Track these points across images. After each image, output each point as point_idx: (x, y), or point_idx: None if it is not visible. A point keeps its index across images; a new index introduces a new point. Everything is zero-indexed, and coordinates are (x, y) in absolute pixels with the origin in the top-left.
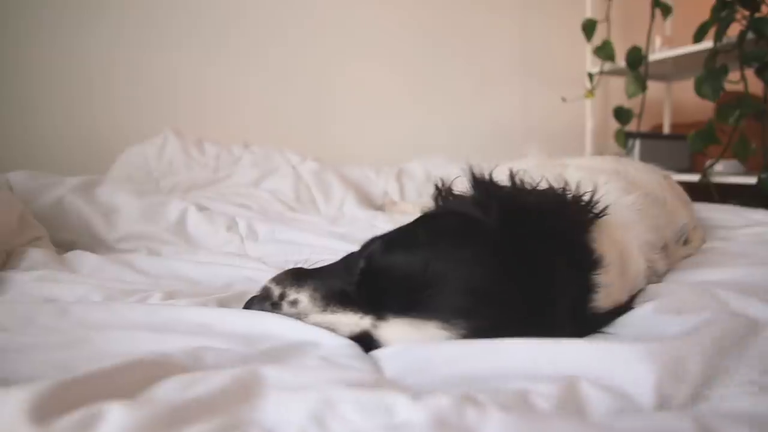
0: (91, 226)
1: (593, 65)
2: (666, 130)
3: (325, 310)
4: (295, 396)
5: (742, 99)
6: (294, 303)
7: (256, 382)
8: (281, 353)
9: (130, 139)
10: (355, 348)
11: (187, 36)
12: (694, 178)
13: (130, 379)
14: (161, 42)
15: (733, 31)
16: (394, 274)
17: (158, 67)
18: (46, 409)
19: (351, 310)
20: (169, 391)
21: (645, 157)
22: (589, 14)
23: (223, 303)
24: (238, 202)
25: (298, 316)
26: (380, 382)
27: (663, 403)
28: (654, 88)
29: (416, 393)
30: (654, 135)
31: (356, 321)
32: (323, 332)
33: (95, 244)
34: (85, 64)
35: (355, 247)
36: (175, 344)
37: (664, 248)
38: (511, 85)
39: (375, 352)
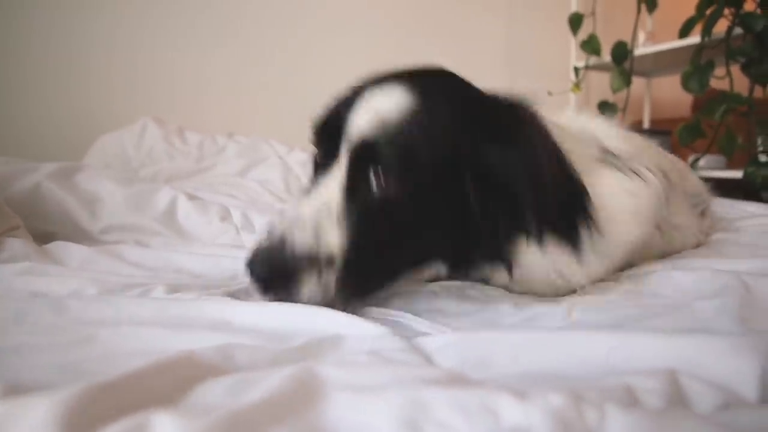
0: (73, 216)
1: (579, 59)
2: (646, 125)
3: None
4: (374, 398)
5: (728, 94)
6: None
7: (316, 383)
8: (321, 349)
9: (105, 128)
10: (401, 341)
11: (169, 22)
12: None
13: (164, 382)
14: (141, 28)
15: (718, 27)
16: None
17: (138, 52)
18: (79, 419)
19: None
20: (216, 395)
21: None
22: (575, 8)
23: (234, 296)
24: (226, 192)
25: None
26: (461, 378)
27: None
28: (634, 83)
29: (519, 391)
30: (637, 130)
31: None
32: (354, 322)
33: (77, 235)
34: (60, 47)
35: None
36: (195, 342)
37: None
38: (497, 78)
39: (423, 344)
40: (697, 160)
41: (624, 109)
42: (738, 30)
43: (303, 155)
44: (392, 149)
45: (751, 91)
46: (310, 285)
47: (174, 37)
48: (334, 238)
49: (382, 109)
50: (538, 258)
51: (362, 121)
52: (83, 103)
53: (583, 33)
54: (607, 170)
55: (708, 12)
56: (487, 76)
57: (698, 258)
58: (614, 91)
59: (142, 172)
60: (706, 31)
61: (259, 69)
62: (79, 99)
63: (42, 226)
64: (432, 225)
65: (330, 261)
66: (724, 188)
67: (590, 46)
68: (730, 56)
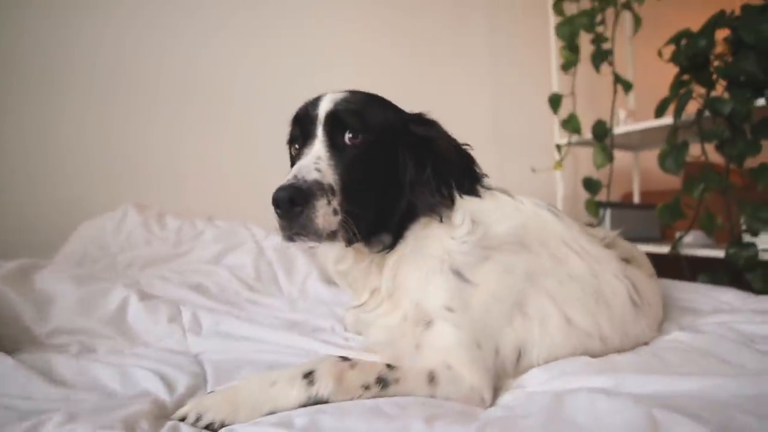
0: (21, 319)
1: (562, 137)
2: (636, 198)
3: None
4: None
5: (706, 173)
6: None
7: None
8: None
9: (90, 212)
10: None
11: (155, 109)
12: (664, 249)
13: None
14: (131, 115)
15: (693, 106)
16: None
17: (124, 139)
18: None
19: None
20: None
21: (616, 227)
22: (555, 89)
23: (128, 424)
24: (195, 280)
25: None
26: None
27: None
28: (622, 156)
29: None
30: (624, 204)
31: None
32: None
33: (24, 339)
34: (49, 135)
35: (309, 342)
36: None
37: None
38: (485, 154)
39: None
40: (680, 238)
41: (608, 185)
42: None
43: (278, 239)
44: (352, 117)
45: (727, 170)
46: (323, 205)
47: (158, 122)
48: (329, 175)
49: (342, 98)
50: (436, 228)
51: (330, 105)
52: (67, 188)
53: (565, 112)
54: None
55: (681, 92)
56: (477, 151)
57: (627, 370)
58: (597, 167)
59: (120, 258)
60: (678, 113)
61: (240, 153)
62: (63, 185)
63: None
64: (383, 169)
65: (332, 190)
66: (711, 267)
67: (570, 124)
68: (703, 138)
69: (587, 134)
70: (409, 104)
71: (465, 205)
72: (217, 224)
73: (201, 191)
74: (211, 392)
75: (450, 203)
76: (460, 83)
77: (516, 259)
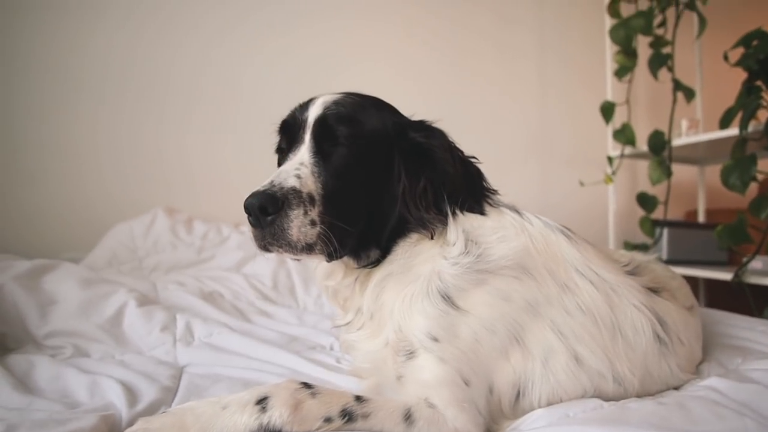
0: (25, 319)
1: (615, 148)
2: (701, 217)
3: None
4: None
5: None
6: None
7: None
8: None
9: (123, 213)
10: None
11: (196, 111)
12: (727, 275)
13: None
14: (163, 120)
15: (764, 116)
16: None
17: (160, 141)
18: None
19: None
20: None
21: (674, 248)
22: (609, 96)
23: None
24: (210, 287)
25: None
26: None
27: None
28: (686, 171)
29: None
30: (684, 224)
31: None
32: None
33: (25, 338)
34: (87, 138)
35: (297, 361)
36: None
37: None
38: (530, 163)
39: None
40: (744, 264)
41: (666, 202)
42: None
43: None
44: (342, 123)
45: None
46: (298, 215)
47: (191, 126)
48: (311, 183)
49: (333, 101)
50: (428, 245)
51: (320, 109)
52: (103, 188)
53: (620, 121)
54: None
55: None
56: (521, 160)
57: (640, 423)
58: (653, 182)
59: (146, 262)
60: (744, 123)
61: (270, 157)
62: (98, 185)
63: None
64: (372, 179)
65: (311, 199)
66: None
67: (623, 135)
68: None
69: (643, 146)
70: (446, 111)
71: (463, 222)
72: (242, 230)
73: (230, 195)
74: (163, 412)
75: (444, 220)
76: (505, 88)
77: (516, 285)
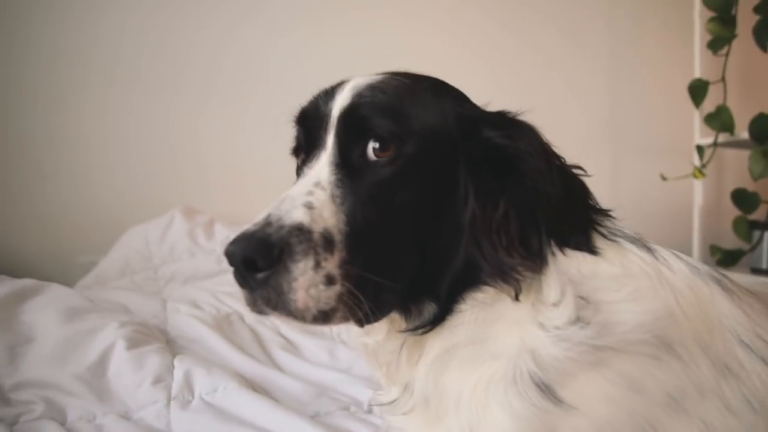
0: None
1: (705, 136)
2: None
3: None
4: None
5: None
6: None
7: None
8: None
9: (140, 214)
10: None
11: (211, 107)
12: None
13: None
14: (181, 117)
15: None
16: None
17: (184, 140)
18: None
19: None
20: None
21: None
22: (698, 73)
23: None
24: (228, 307)
25: None
26: None
27: None
28: None
29: None
30: None
31: None
32: None
33: None
34: (100, 134)
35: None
36: None
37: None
38: (598, 154)
39: None
40: None
41: None
42: None
43: None
44: (381, 117)
45: None
46: (306, 269)
47: (211, 122)
48: (329, 215)
49: (368, 84)
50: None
51: (348, 97)
52: (115, 192)
53: (710, 104)
54: None
55: None
56: (588, 151)
57: None
58: (755, 177)
59: (161, 271)
60: None
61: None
62: (111, 187)
63: None
64: (427, 204)
65: (329, 240)
66: None
67: (718, 120)
68: None
69: (743, 133)
70: (500, 92)
71: (567, 266)
72: None
73: (253, 194)
74: None
75: (538, 266)
76: (569, 65)
77: (652, 369)
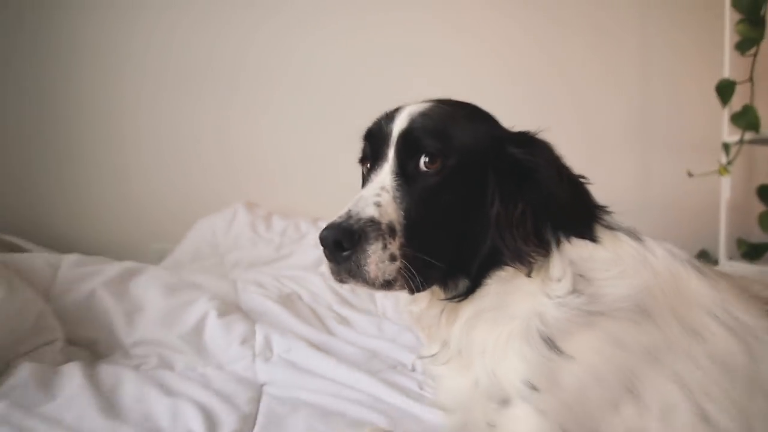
0: (113, 327)
1: (731, 134)
2: None
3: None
4: None
5: None
6: None
7: None
8: None
9: (206, 207)
10: None
11: (270, 109)
12: None
13: None
14: (242, 121)
15: None
16: None
17: (243, 138)
18: None
19: None
20: None
21: None
22: (727, 73)
23: None
24: (289, 288)
25: None
26: None
27: None
28: None
29: None
30: None
31: None
32: None
33: (113, 345)
34: (173, 134)
35: (377, 386)
36: None
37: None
38: (628, 152)
39: None
40: None
41: None
42: None
43: None
44: (430, 138)
45: None
46: (376, 250)
47: (268, 121)
48: (392, 211)
49: (420, 112)
50: (526, 281)
51: (405, 122)
52: (185, 184)
53: (738, 103)
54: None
55: None
56: (618, 148)
57: None
58: None
59: (227, 258)
60: None
61: (347, 151)
62: (181, 180)
63: (87, 334)
64: (463, 204)
65: (392, 229)
66: None
67: (745, 119)
68: None
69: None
70: (538, 75)
71: (570, 251)
72: (320, 226)
73: (308, 189)
74: None
75: (546, 252)
76: (600, 63)
77: (633, 330)
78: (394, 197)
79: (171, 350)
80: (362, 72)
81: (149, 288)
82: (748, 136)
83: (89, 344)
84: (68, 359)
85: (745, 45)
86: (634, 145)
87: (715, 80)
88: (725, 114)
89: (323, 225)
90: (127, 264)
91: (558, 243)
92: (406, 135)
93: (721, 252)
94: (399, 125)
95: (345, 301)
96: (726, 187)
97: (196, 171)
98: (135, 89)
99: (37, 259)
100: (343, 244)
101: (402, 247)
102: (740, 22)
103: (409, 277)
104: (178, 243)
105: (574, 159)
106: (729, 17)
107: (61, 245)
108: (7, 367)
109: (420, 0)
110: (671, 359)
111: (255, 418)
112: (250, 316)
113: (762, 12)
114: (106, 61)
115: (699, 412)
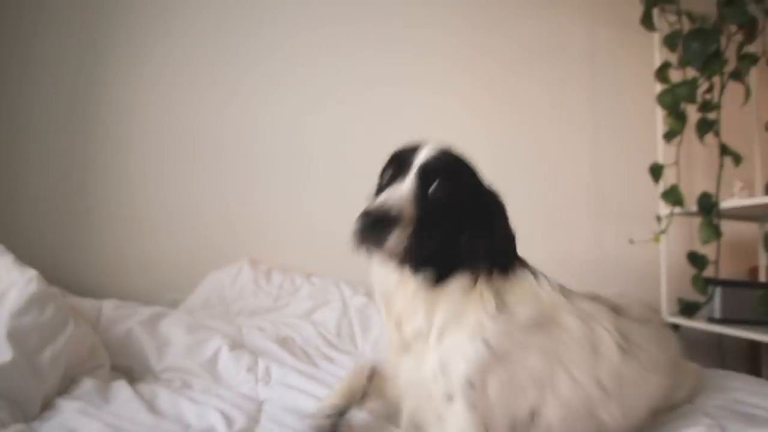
0: (147, 356)
1: (665, 207)
2: (762, 275)
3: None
4: None
5: None
6: None
7: None
8: None
9: (213, 262)
10: None
11: (276, 174)
12: None
13: None
14: (242, 182)
15: None
16: None
17: (238, 201)
18: None
19: None
20: None
21: (728, 307)
22: (660, 157)
23: None
24: (284, 333)
25: None
26: None
27: None
28: (748, 227)
29: None
30: (739, 282)
31: None
32: None
33: (146, 371)
34: (183, 196)
35: None
36: None
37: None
38: (582, 220)
39: None
40: None
41: (717, 261)
42: None
43: (363, 299)
44: (441, 176)
45: None
46: (398, 234)
47: (271, 184)
48: (409, 211)
49: (438, 154)
50: (472, 298)
51: (427, 158)
52: (194, 242)
53: (671, 181)
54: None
55: None
56: (574, 215)
57: None
58: (703, 242)
59: (233, 307)
60: None
61: (334, 211)
62: (191, 239)
63: (125, 362)
64: (451, 223)
65: (407, 223)
66: None
67: (672, 196)
68: None
69: (693, 205)
70: (506, 166)
71: (499, 281)
72: (313, 281)
73: (303, 248)
74: None
75: (487, 274)
76: (559, 146)
77: (530, 335)
78: (411, 203)
79: (192, 375)
80: (348, 136)
81: (174, 327)
82: (678, 209)
83: (127, 370)
84: (114, 379)
85: (670, 135)
86: (588, 214)
87: (649, 162)
88: (659, 190)
89: (315, 281)
90: (156, 308)
91: (492, 273)
92: (425, 167)
93: (663, 309)
94: (421, 157)
95: (330, 344)
96: (664, 253)
97: (203, 231)
98: (149, 150)
99: (85, 302)
100: (382, 222)
101: (410, 236)
102: (667, 115)
103: (411, 256)
104: (189, 293)
105: (537, 221)
106: (659, 111)
107: (92, 293)
108: (72, 382)
109: (403, 64)
110: (554, 348)
111: (258, 418)
112: (254, 352)
113: (682, 108)
114: (125, 120)
115: (570, 377)
